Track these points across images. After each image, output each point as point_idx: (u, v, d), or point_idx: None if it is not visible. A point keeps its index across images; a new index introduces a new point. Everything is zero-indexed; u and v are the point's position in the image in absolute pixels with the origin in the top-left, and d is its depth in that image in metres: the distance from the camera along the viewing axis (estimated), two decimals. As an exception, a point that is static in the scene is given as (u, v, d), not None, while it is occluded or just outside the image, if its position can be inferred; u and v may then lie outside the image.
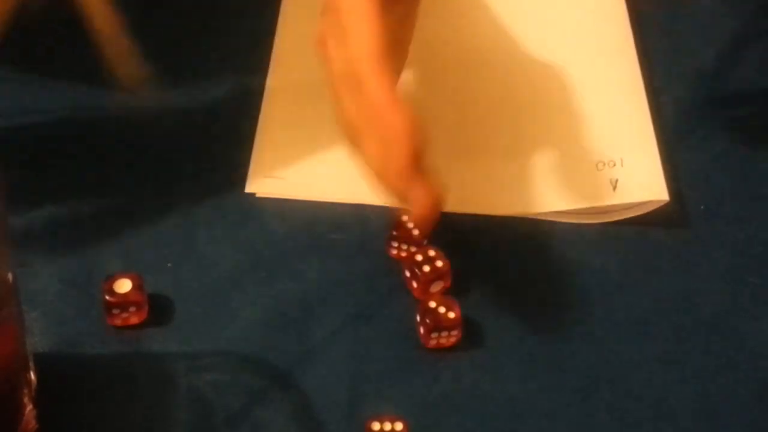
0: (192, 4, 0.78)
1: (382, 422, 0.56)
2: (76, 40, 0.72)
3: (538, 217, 0.67)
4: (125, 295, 0.60)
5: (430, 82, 0.74)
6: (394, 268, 0.64)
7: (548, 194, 0.68)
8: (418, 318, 0.61)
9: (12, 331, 0.53)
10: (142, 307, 0.61)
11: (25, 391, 0.56)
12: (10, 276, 0.52)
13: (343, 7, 0.60)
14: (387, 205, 0.64)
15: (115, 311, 0.61)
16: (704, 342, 0.62)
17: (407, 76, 0.74)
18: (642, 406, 0.59)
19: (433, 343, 0.61)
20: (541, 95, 0.74)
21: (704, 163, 0.71)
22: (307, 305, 0.63)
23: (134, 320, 0.61)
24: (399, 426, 0.56)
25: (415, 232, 0.64)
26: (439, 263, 0.63)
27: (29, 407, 0.56)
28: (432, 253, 0.63)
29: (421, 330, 0.61)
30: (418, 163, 0.57)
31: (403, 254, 0.64)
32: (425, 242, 0.64)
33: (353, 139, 0.60)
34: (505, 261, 0.65)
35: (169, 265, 0.64)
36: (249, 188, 0.68)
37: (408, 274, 0.63)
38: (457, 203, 0.67)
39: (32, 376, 0.57)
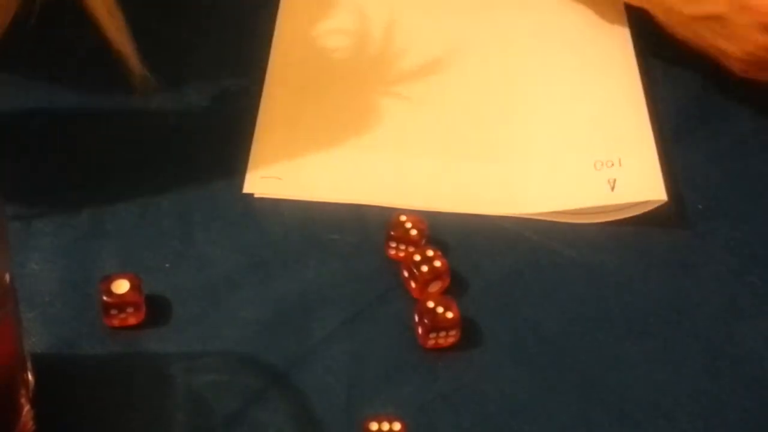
0: (192, 4, 0.78)
1: (380, 422, 0.56)
2: (76, 40, 0.72)
3: (537, 217, 0.67)
4: (123, 295, 0.60)
5: (430, 82, 0.74)
6: (392, 268, 0.64)
7: (547, 194, 0.68)
8: (416, 318, 0.61)
9: (9, 331, 0.53)
10: (139, 307, 0.61)
11: (23, 391, 0.56)
12: (7, 276, 0.51)
13: None
14: (385, 205, 0.64)
15: (113, 312, 0.60)
16: (703, 342, 0.62)
17: (408, 76, 0.74)
18: (640, 406, 0.59)
19: (431, 343, 0.61)
20: (540, 96, 0.74)
21: (702, 164, 0.71)
22: (305, 305, 0.63)
23: (132, 321, 0.61)
24: (397, 426, 0.56)
25: (413, 232, 0.64)
26: (437, 263, 0.63)
27: (27, 408, 0.56)
28: (430, 253, 0.63)
29: (420, 330, 0.61)
30: None
31: (401, 254, 0.64)
32: (423, 242, 0.64)
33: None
34: (503, 261, 0.65)
35: (167, 265, 0.64)
36: (247, 188, 0.68)
37: (406, 274, 0.63)
38: (456, 203, 0.67)
39: (30, 376, 0.57)
